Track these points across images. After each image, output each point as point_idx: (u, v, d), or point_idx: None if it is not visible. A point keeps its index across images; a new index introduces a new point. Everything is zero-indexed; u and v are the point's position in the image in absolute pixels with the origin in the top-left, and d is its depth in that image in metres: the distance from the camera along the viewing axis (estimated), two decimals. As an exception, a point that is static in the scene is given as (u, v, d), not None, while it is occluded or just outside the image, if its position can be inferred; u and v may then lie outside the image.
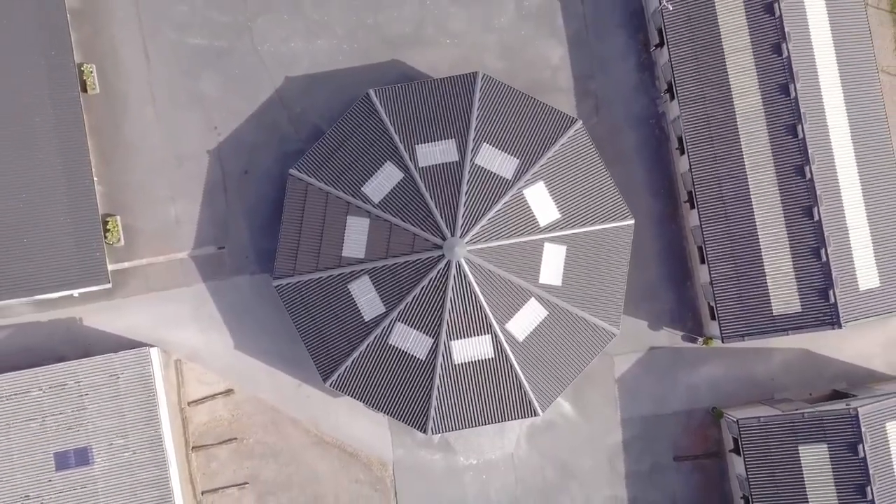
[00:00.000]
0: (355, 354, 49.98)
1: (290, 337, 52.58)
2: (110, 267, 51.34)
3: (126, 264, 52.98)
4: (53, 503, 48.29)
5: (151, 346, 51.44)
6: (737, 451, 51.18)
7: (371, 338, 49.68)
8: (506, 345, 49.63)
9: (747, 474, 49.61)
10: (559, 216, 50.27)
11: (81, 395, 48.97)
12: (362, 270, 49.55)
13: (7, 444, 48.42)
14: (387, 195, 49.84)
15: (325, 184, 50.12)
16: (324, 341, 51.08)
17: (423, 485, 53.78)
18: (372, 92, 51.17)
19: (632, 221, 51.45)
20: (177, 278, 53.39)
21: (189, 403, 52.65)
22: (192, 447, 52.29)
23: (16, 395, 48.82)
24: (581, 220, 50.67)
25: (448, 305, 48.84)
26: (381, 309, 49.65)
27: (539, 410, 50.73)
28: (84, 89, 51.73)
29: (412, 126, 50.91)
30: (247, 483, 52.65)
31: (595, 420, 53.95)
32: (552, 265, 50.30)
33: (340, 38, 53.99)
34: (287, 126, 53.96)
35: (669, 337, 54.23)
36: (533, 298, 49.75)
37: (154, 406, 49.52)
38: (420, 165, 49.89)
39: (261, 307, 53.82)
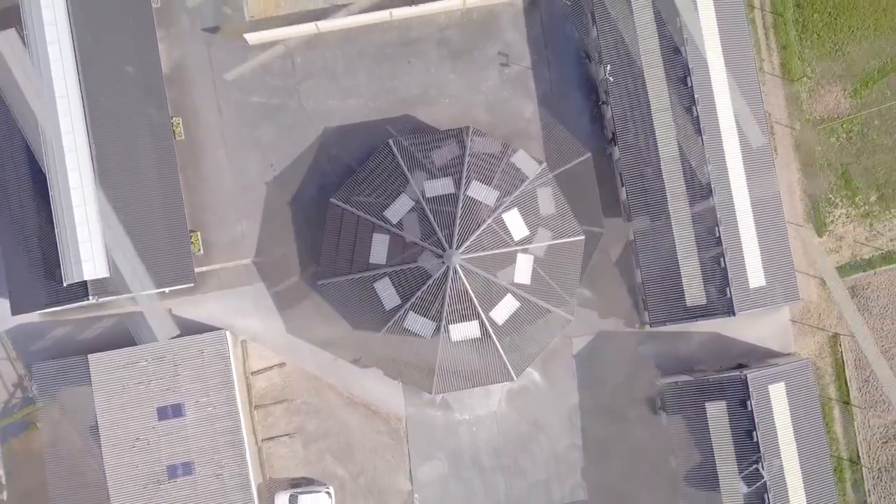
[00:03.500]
0: (380, 336, 63.28)
1: (327, 322, 66.40)
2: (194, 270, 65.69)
3: (205, 268, 66.96)
4: (156, 444, 63.17)
5: (224, 329, 65.43)
6: (663, 408, 66.44)
7: (390, 322, 63.36)
8: (489, 327, 62.46)
9: (668, 425, 64.91)
10: (528, 233, 62.95)
11: (175, 365, 63.54)
12: (384, 273, 62.83)
13: (122, 401, 63.09)
14: (402, 218, 62.68)
15: (356, 209, 64.04)
16: (356, 326, 64.69)
17: (428, 435, 67.21)
18: (391, 141, 64.48)
19: (582, 237, 64.53)
20: (242, 279, 67.21)
21: (252, 373, 67.14)
22: (255, 406, 66.92)
23: (128, 364, 63.45)
24: (544, 237, 63.55)
25: (447, 298, 61.53)
26: (398, 301, 62.61)
27: (514, 376, 64.08)
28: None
29: (420, 167, 63.63)
30: (295, 433, 66.98)
31: (558, 386, 67.50)
32: (523, 269, 62.71)
33: (366, 98, 67.84)
34: (325, 165, 67.64)
35: (614, 323, 67.90)
36: (509, 294, 62.48)
37: (228, 374, 63.85)
38: (427, 196, 62.92)
39: (305, 301, 67.28)
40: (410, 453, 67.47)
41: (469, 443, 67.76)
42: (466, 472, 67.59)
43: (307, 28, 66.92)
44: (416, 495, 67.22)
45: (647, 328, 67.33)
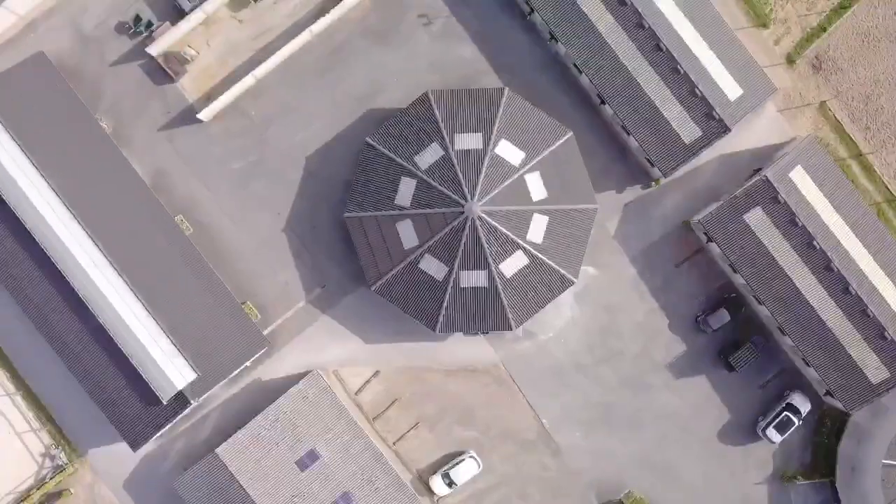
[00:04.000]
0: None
1: (395, 318, 70.21)
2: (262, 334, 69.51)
3: (270, 328, 71.08)
4: (311, 491, 67.69)
5: (314, 370, 69.25)
6: (709, 239, 70.70)
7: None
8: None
9: (720, 248, 68.83)
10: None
11: (291, 420, 68.00)
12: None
13: (263, 472, 67.69)
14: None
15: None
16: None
17: (527, 366, 71.70)
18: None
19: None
20: (305, 320, 71.25)
21: (355, 393, 71.74)
22: (373, 418, 71.79)
23: (252, 440, 67.91)
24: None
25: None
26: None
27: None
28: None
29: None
30: (417, 423, 71.49)
31: (612, 268, 71.94)
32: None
33: (327, 114, 71.31)
34: (324, 188, 71.02)
35: (632, 192, 72.13)
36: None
37: (337, 404, 68.41)
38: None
39: (368, 311, 70.93)
40: (521, 389, 72.03)
41: (563, 354, 72.38)
42: (574, 379, 72.27)
43: (247, 82, 70.41)
44: (543, 420, 71.94)
45: (662, 181, 71.42)
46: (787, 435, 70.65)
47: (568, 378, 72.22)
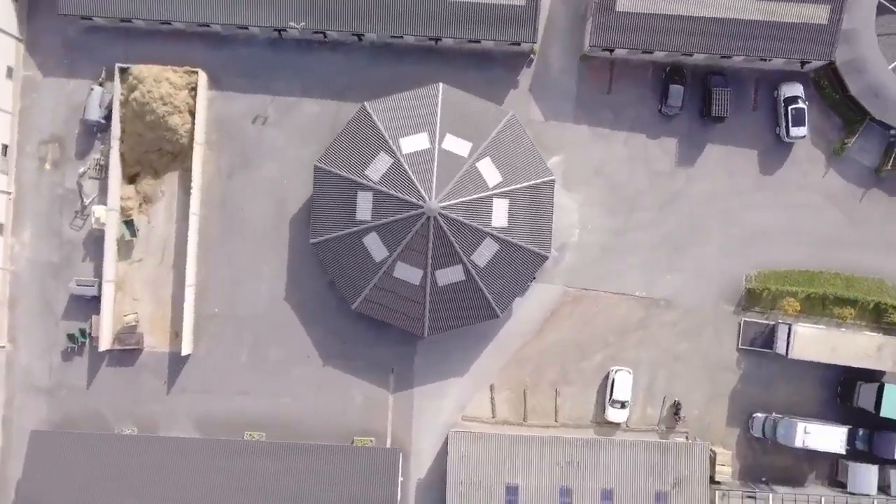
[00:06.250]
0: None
1: (458, 338, 71.33)
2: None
3: (388, 440, 72.06)
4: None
5: (449, 433, 70.52)
6: (608, 49, 70.20)
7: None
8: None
9: (622, 46, 68.98)
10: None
11: (477, 478, 69.80)
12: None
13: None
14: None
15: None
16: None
17: (586, 267, 72.47)
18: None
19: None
20: (405, 406, 72.05)
21: (493, 417, 72.47)
22: (524, 420, 72.58)
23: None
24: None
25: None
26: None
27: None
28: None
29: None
30: (556, 390, 72.67)
31: (569, 141, 72.42)
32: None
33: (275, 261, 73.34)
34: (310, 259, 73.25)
35: (524, 76, 72.97)
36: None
37: (495, 437, 70.23)
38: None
39: (437, 354, 71.89)
40: (598, 288, 72.97)
41: (598, 234, 73.30)
42: (623, 242, 73.10)
43: (190, 299, 70.97)
44: (636, 293, 72.88)
45: (535, 47, 72.03)
46: (806, 122, 71.03)
47: (618, 247, 73.07)
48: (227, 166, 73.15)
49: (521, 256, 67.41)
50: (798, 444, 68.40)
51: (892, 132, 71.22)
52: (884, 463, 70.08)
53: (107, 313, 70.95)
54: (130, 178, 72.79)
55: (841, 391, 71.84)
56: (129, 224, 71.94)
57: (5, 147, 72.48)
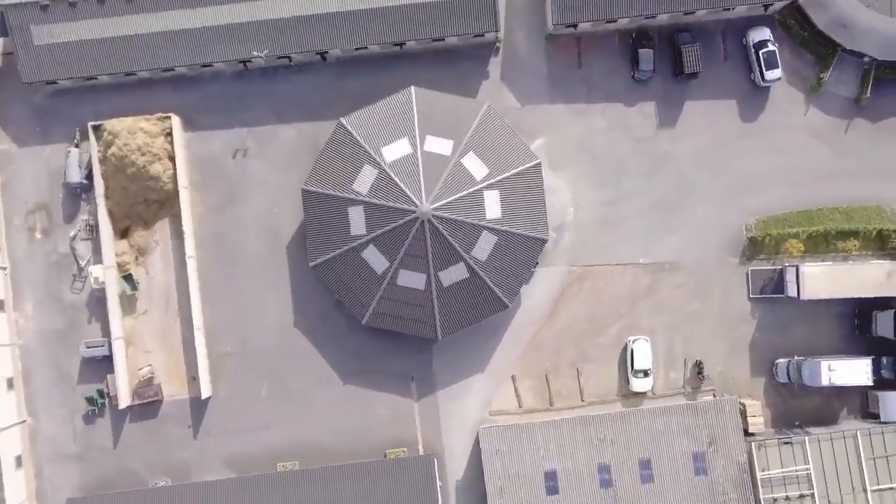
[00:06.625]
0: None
1: (476, 333, 71.22)
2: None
3: (420, 447, 72.18)
4: None
5: (480, 429, 70.88)
6: (573, 25, 70.24)
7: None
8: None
9: (584, 20, 69.03)
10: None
11: (515, 469, 69.94)
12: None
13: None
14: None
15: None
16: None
17: (586, 241, 72.26)
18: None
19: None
20: (431, 411, 72.18)
21: (520, 408, 72.64)
22: (552, 406, 72.57)
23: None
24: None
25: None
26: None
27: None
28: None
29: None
30: (577, 369, 72.59)
31: (548, 122, 72.43)
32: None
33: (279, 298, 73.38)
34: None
35: (493, 65, 72.84)
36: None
37: (524, 427, 70.41)
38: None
39: (458, 354, 71.87)
40: (601, 262, 72.84)
41: (594, 207, 73.22)
42: (619, 211, 73.03)
43: (201, 344, 70.96)
44: (640, 260, 72.78)
45: (499, 35, 71.97)
46: (779, 64, 70.98)
47: (614, 218, 73.01)
48: (215, 204, 73.11)
49: (521, 243, 67.39)
50: (824, 382, 68.46)
51: (866, 59, 71.14)
52: (912, 387, 70.28)
53: (121, 370, 70.95)
54: (122, 233, 72.75)
55: (858, 324, 71.90)
56: (128, 278, 71.87)
57: (-7, 222, 72.65)
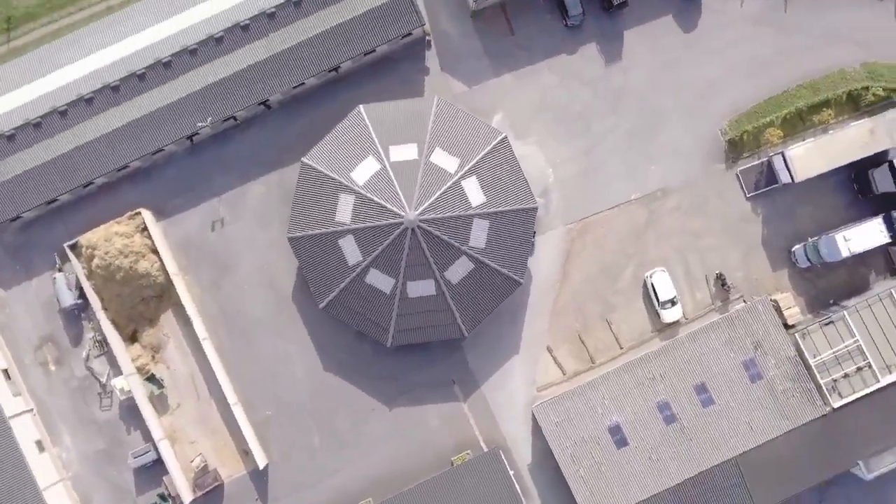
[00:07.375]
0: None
1: (504, 317, 71.50)
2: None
3: (481, 442, 72.09)
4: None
5: (533, 406, 71.60)
6: None
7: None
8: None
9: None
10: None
11: (579, 435, 70.06)
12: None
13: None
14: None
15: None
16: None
17: (574, 195, 72.32)
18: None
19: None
20: (482, 406, 72.06)
21: (565, 375, 72.50)
22: (594, 365, 73.04)
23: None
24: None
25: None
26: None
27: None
28: None
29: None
30: (607, 321, 72.94)
31: (507, 91, 73.09)
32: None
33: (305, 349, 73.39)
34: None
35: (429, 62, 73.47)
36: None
37: (580, 390, 70.52)
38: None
39: (488, 348, 71.74)
40: (595, 210, 72.80)
41: (580, 165, 73.26)
42: (602, 162, 72.98)
43: (246, 426, 71.07)
44: (632, 196, 72.81)
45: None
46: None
47: (593, 165, 73.11)
48: (211, 281, 72.93)
49: (513, 219, 67.32)
50: (844, 254, 68.62)
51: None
52: (929, 233, 70.39)
53: (174, 469, 70.83)
54: (131, 338, 72.61)
55: (858, 188, 72.06)
56: (151, 379, 71.74)
57: (6, 371, 72.27)
